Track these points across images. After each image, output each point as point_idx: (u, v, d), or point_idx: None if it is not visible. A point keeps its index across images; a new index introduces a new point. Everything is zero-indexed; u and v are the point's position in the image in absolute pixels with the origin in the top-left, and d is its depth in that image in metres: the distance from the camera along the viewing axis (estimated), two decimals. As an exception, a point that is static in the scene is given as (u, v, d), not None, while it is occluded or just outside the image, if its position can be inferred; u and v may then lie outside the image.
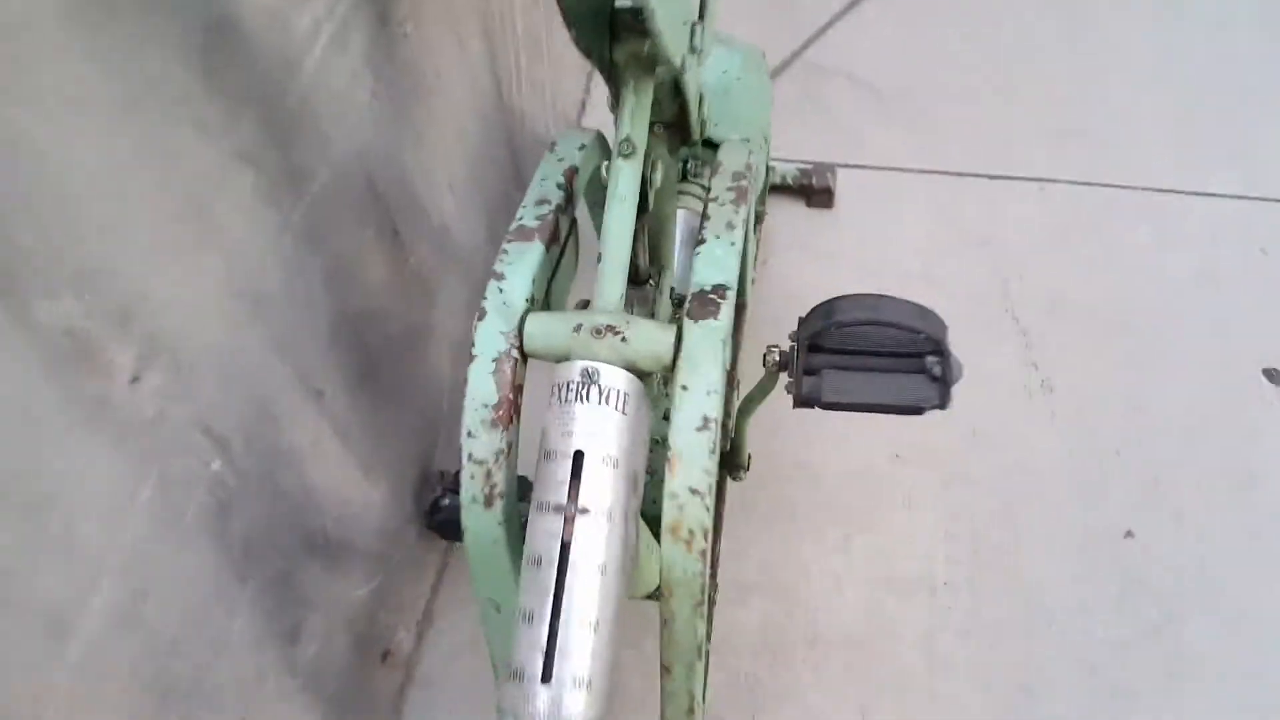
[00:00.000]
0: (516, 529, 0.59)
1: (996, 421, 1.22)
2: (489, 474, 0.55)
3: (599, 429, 0.52)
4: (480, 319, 0.56)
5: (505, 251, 0.59)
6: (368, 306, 0.89)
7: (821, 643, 1.06)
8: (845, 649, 1.05)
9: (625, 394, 0.53)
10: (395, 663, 1.07)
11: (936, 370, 0.74)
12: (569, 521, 0.51)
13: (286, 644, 0.82)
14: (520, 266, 0.58)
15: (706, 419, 0.53)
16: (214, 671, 0.71)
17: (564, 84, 1.50)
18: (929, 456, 1.18)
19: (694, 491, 0.53)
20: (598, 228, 0.82)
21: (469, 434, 0.55)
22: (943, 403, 0.72)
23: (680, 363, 0.54)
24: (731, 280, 0.57)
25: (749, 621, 1.07)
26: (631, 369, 0.55)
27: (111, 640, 0.56)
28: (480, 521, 0.56)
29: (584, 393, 0.53)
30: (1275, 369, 1.23)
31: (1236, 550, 1.10)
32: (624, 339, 0.55)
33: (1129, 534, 1.12)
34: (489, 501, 0.55)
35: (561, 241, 0.63)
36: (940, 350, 0.71)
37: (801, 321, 0.74)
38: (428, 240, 1.00)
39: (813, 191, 1.40)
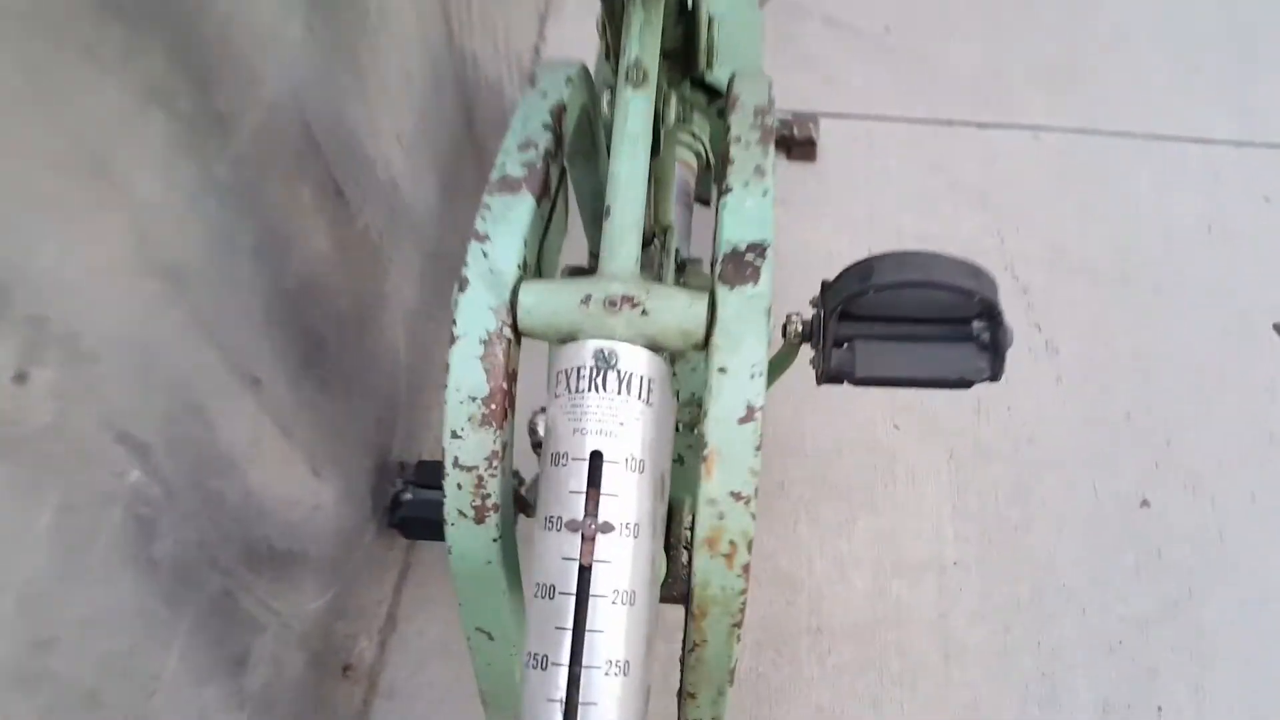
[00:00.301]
0: (513, 546, 0.49)
1: (1000, 387, 1.14)
2: (480, 482, 0.45)
3: (619, 424, 0.42)
4: (461, 290, 0.46)
5: (487, 206, 0.49)
6: (309, 278, 0.77)
7: (827, 632, 0.99)
8: (852, 638, 0.98)
9: (649, 380, 0.44)
10: (357, 676, 0.96)
11: (986, 337, 0.65)
12: (587, 541, 0.41)
13: (233, 673, 0.72)
14: (508, 224, 0.48)
15: (751, 408, 0.43)
16: (146, 717, 0.60)
17: (517, 26, 1.37)
18: (931, 427, 1.11)
19: (737, 496, 0.43)
20: (574, 181, 0.71)
21: (454, 434, 0.45)
22: (995, 373, 0.63)
23: (716, 339, 0.44)
24: (769, 236, 0.48)
25: (747, 612, 0.99)
26: (654, 348, 0.45)
27: (4, 708, 0.45)
28: (469, 540, 0.46)
29: (599, 380, 0.43)
30: (1286, 323, 1.18)
31: (1256, 517, 1.05)
32: (644, 312, 0.45)
33: (1145, 503, 1.06)
34: (480, 516, 0.45)
35: (552, 194, 0.52)
36: (994, 314, 0.62)
37: (827, 286, 0.64)
38: (376, 199, 0.89)
39: (794, 143, 1.31)
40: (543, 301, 0.47)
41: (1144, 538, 1.05)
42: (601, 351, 0.44)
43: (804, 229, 1.26)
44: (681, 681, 0.54)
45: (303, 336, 0.78)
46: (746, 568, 0.46)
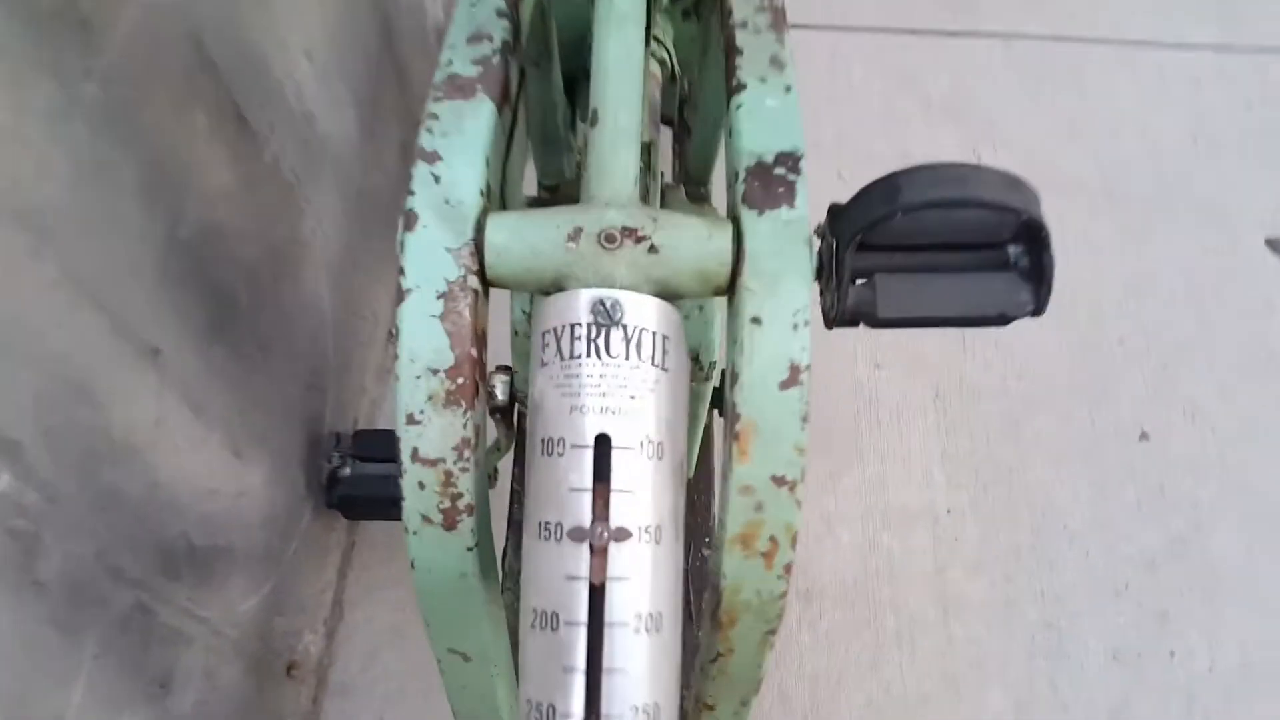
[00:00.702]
0: (490, 552, 0.40)
1: (987, 317, 1.08)
2: (448, 479, 0.36)
3: (629, 397, 0.33)
4: (409, 228, 0.36)
5: (435, 116, 0.38)
6: (211, 223, 0.66)
7: (817, 595, 0.93)
8: (844, 600, 0.92)
9: (663, 337, 0.35)
10: (303, 674, 0.87)
11: (1025, 262, 0.57)
12: (598, 553, 0.32)
13: (155, 697, 0.63)
14: (464, 139, 0.38)
15: (795, 367, 0.35)
16: (45, 769, 0.51)
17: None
18: (915, 363, 1.04)
19: (780, 481, 0.35)
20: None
21: (410, 419, 0.35)
22: (1040, 306, 0.55)
23: (745, 281, 0.35)
24: (799, 143, 0.38)
25: (734, 580, 0.92)
26: (667, 296, 0.36)
27: None
28: (438, 551, 0.37)
29: (600, 341, 0.34)
30: (1278, 239, 1.14)
31: (1259, 442, 1.02)
32: (653, 248, 0.36)
33: (1144, 435, 1.01)
34: (451, 520, 0.36)
35: (513, 101, 0.42)
36: (1039, 235, 0.54)
37: (839, 211, 0.54)
38: (286, 128, 0.77)
39: (753, 56, 1.20)
40: (518, 238, 0.37)
41: (1145, 472, 1.00)
42: (601, 303, 0.34)
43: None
44: (693, 688, 0.46)
45: (208, 293, 0.67)
46: (789, 568, 0.37)
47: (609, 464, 0.33)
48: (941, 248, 0.57)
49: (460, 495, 0.36)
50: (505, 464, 0.86)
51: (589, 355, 0.34)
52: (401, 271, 0.36)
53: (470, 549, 0.37)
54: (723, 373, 0.72)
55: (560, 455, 0.33)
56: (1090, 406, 1.04)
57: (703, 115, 0.66)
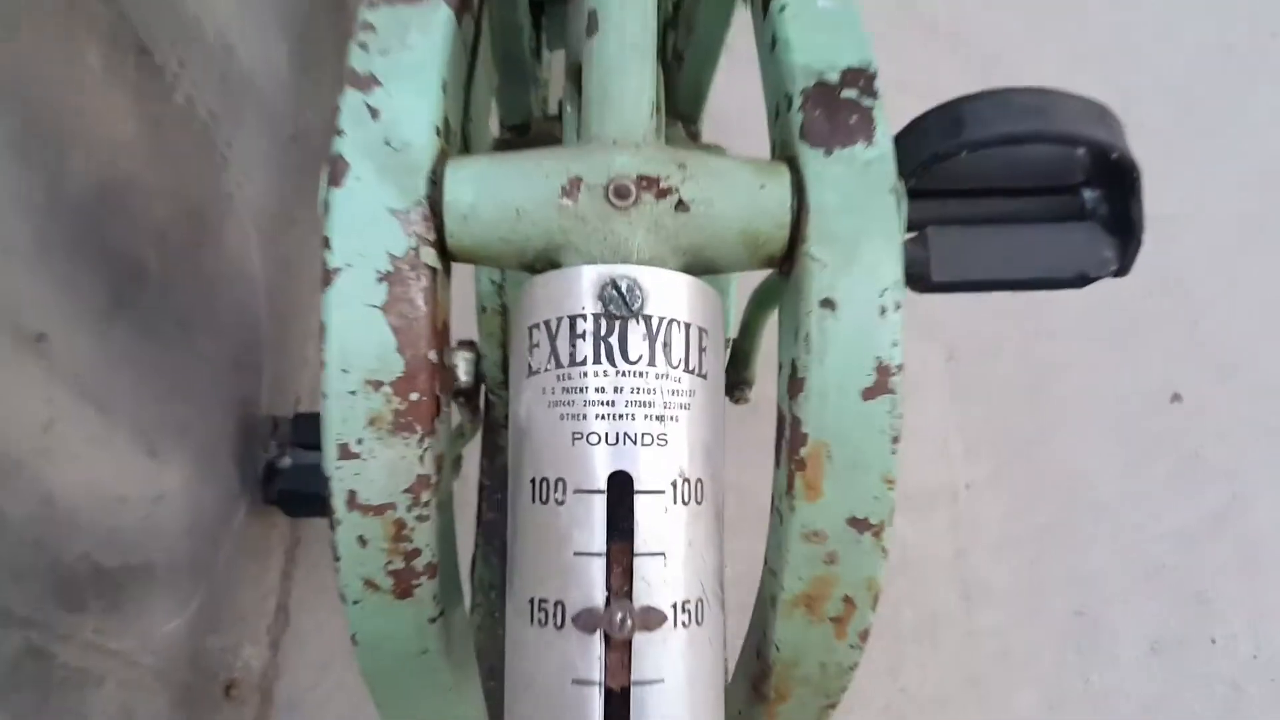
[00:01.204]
0: (460, 621, 0.31)
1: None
2: (399, 532, 0.26)
3: (655, 418, 0.24)
4: (336, 182, 0.26)
5: (369, 27, 0.28)
6: (109, 179, 0.56)
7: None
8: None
9: (700, 331, 0.26)
10: (245, 693, 0.78)
11: (1105, 210, 0.49)
12: (619, 648, 0.23)
13: None
14: (411, 58, 0.28)
15: (884, 368, 0.26)
16: None
17: None
18: (924, 323, 0.96)
19: (862, 526, 0.26)
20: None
21: (344, 451, 0.26)
22: (1125, 264, 0.47)
23: (810, 247, 0.26)
24: (870, 57, 0.29)
25: (733, 573, 0.84)
26: (700, 269, 0.27)
27: None
28: (388, 624, 0.28)
29: (613, 340, 0.25)
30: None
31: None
32: (681, 204, 0.27)
33: (1176, 397, 0.94)
34: (405, 586, 0.27)
35: (475, 7, 0.32)
36: (1128, 176, 0.45)
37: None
38: (201, 64, 0.66)
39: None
40: (491, 194, 0.27)
41: (1179, 438, 0.94)
42: (613, 285, 0.25)
43: (749, 85, 1.06)
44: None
45: (106, 264, 0.57)
46: (866, 634, 0.29)
47: (631, 516, 0.24)
48: (1005, 193, 0.49)
49: (417, 553, 0.27)
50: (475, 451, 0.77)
51: (597, 360, 0.25)
52: (326, 244, 0.26)
53: (433, 619, 0.28)
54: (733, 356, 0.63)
55: (559, 504, 0.24)
56: (1116, 368, 0.96)
57: (699, 36, 0.56)
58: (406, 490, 0.27)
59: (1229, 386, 0.96)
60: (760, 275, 0.58)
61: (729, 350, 0.63)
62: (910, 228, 0.44)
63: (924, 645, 0.83)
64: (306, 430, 0.81)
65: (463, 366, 0.58)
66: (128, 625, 0.60)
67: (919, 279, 0.45)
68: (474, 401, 0.70)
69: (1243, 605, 0.86)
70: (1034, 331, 0.98)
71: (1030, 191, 0.48)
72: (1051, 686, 0.83)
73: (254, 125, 0.77)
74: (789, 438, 0.27)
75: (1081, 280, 0.47)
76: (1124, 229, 0.46)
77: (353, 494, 0.27)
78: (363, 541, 0.27)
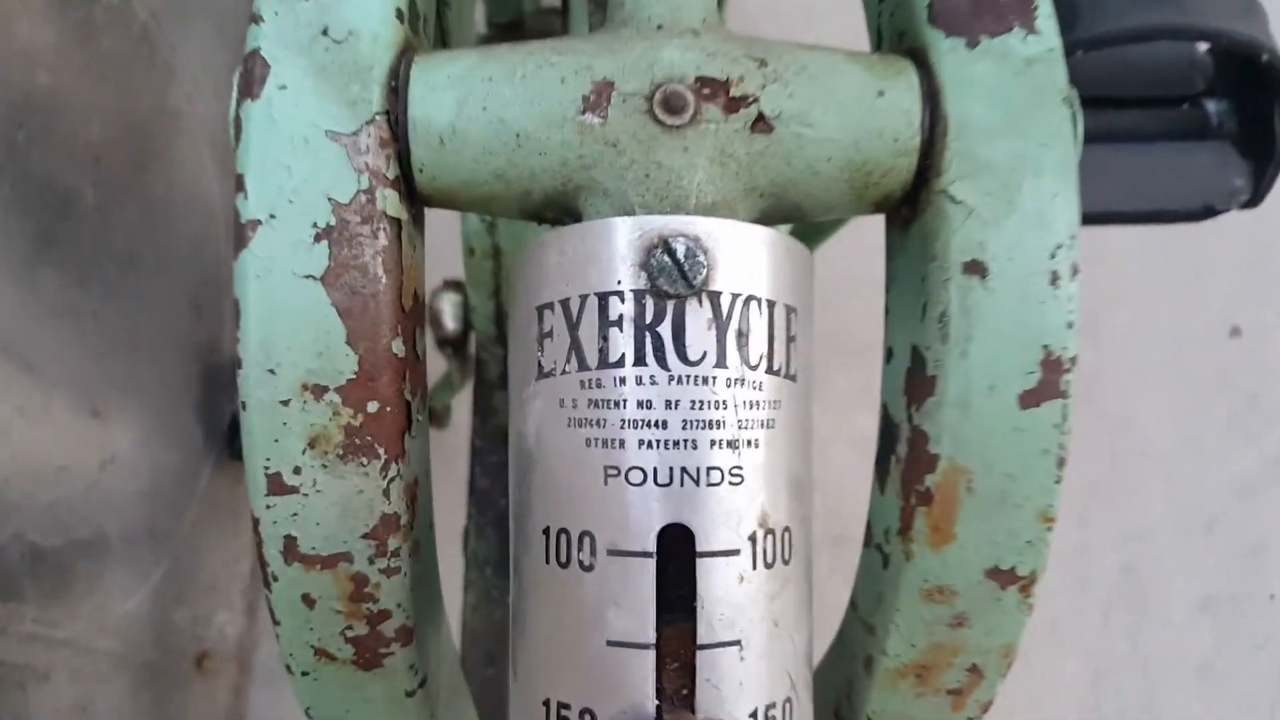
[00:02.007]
0: (451, 678, 0.24)
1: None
2: (359, 590, 0.19)
3: (727, 445, 0.16)
4: (254, 90, 0.18)
5: None
6: (25, 97, 0.48)
7: (852, 542, 0.79)
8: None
9: (788, 310, 0.18)
10: (219, 664, 0.73)
11: (1234, 125, 0.41)
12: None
13: None
14: None
15: (1052, 361, 0.18)
16: None
17: None
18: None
19: (1006, 578, 0.19)
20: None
21: (276, 484, 0.18)
22: (1259, 193, 0.39)
23: (947, 183, 0.19)
24: None
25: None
26: (783, 217, 0.19)
27: None
28: (351, 701, 0.21)
29: (664, 330, 0.17)
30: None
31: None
32: (762, 120, 0.19)
33: (1235, 331, 0.87)
34: (371, 657, 0.20)
35: None
36: (1267, 77, 0.37)
37: None
38: (132, -49, 0.57)
39: None
40: (477, 106, 0.19)
41: (1236, 378, 0.86)
42: (665, 247, 0.17)
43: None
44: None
45: (29, 197, 0.49)
46: (988, 706, 0.22)
47: (693, 588, 0.17)
48: (1114, 104, 0.41)
49: (385, 615, 0.20)
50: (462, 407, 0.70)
51: (641, 361, 0.17)
52: (240, 186, 0.18)
53: (411, 693, 0.21)
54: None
55: (586, 569, 0.17)
56: (1172, 300, 0.89)
57: None
58: (366, 536, 0.19)
59: (1293, 320, 0.89)
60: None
61: None
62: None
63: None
64: (278, 377, 0.74)
65: (449, 311, 0.48)
66: (75, 609, 0.54)
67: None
68: (462, 350, 0.62)
69: (1304, 558, 0.81)
70: (1082, 259, 0.90)
71: (1144, 103, 0.40)
72: (1099, 650, 0.77)
73: (203, 27, 0.68)
74: (907, 458, 0.20)
75: (1206, 213, 0.39)
76: (1261, 149, 0.38)
77: (291, 541, 0.19)
78: (309, 602, 0.20)
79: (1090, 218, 0.38)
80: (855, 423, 0.84)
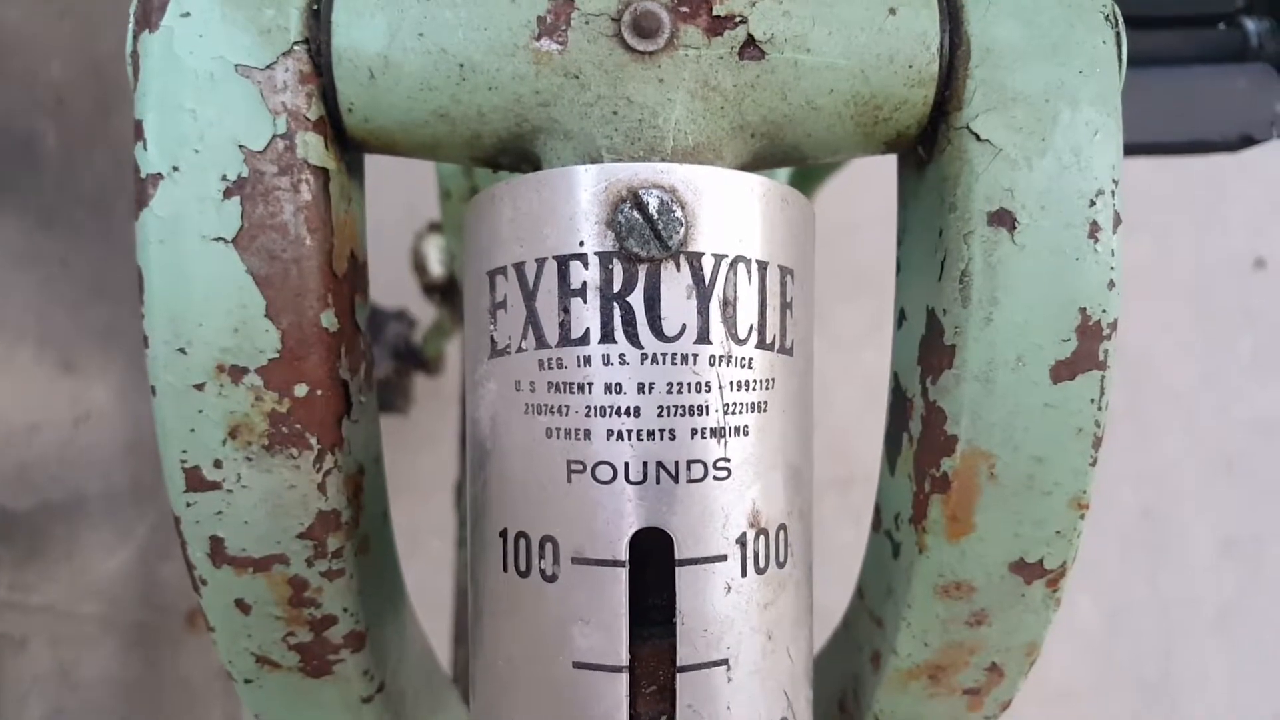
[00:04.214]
0: (427, 671, 0.22)
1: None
2: (298, 594, 0.17)
3: (709, 435, 0.14)
4: (150, 19, 0.15)
5: None
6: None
7: (860, 482, 0.78)
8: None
9: (783, 273, 0.15)
10: (211, 619, 0.71)
11: (1277, 46, 0.38)
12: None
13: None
14: None
15: (1090, 327, 0.15)
16: None
17: None
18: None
19: (1031, 572, 0.17)
20: None
21: (195, 479, 0.15)
22: (1296, 122, 0.36)
23: (970, 116, 0.16)
24: None
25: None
26: (779, 159, 0.17)
27: None
28: (301, 708, 0.18)
29: (635, 299, 0.14)
30: None
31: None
32: (752, 43, 0.16)
33: (1260, 262, 0.84)
34: (317, 663, 0.18)
35: None
36: None
37: None
38: None
39: None
40: (413, 31, 0.16)
41: (1261, 310, 0.83)
42: (636, 200, 0.14)
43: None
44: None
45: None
46: (1007, 705, 0.19)
47: (671, 600, 0.14)
48: (1147, 25, 0.38)
49: (331, 620, 0.18)
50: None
51: (607, 337, 0.15)
52: (138, 133, 0.15)
53: (367, 699, 0.19)
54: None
55: (549, 579, 0.15)
56: (1194, 229, 0.85)
57: None
58: (302, 535, 0.17)
59: (1322, 250, 0.86)
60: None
61: None
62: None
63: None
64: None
65: (434, 256, 0.46)
66: (52, 573, 0.52)
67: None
68: (451, 295, 0.60)
69: (1328, 498, 0.78)
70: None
71: (1178, 22, 0.37)
72: (1117, 592, 0.76)
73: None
74: (922, 439, 0.17)
75: (1244, 142, 0.37)
76: (1303, 72, 0.35)
77: (218, 543, 0.17)
78: (244, 608, 0.17)
79: (1131, 147, 0.36)
80: (863, 361, 0.81)
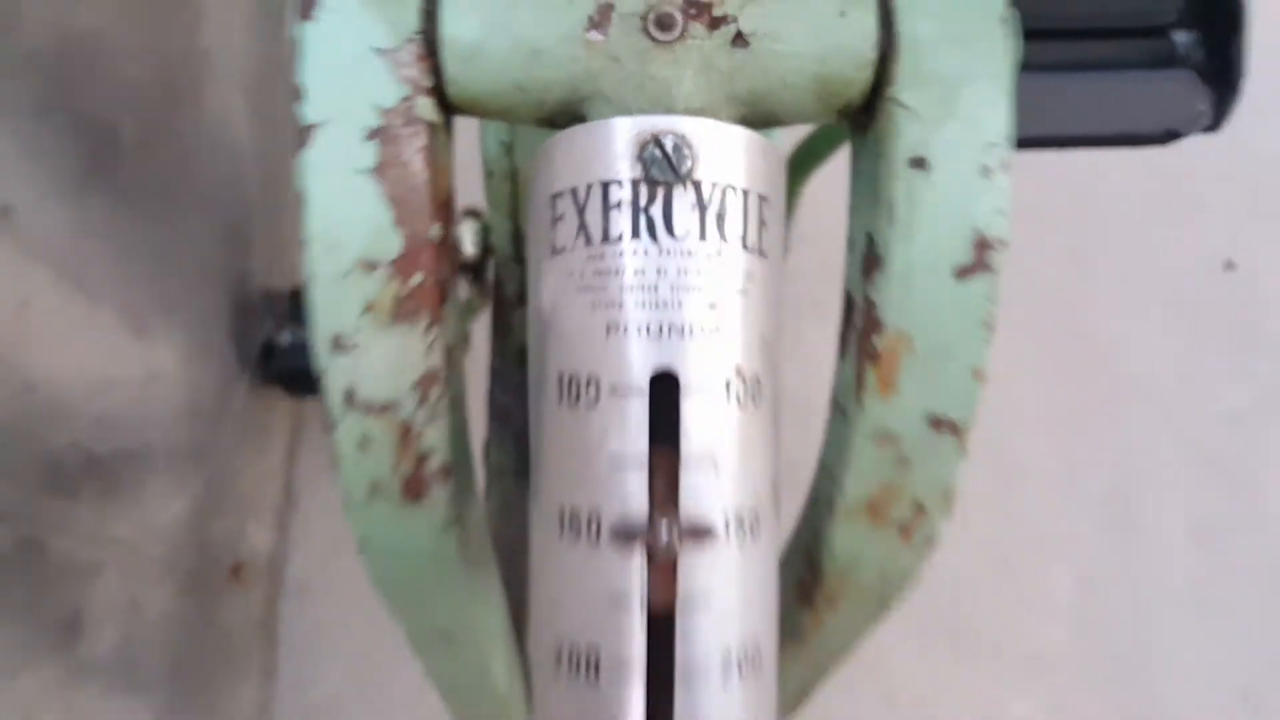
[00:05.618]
0: (478, 522, 0.29)
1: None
2: (407, 434, 0.23)
3: (708, 306, 0.21)
4: (309, 11, 0.22)
5: None
6: (72, 34, 0.51)
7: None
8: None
9: (759, 199, 0.22)
10: (252, 576, 0.78)
11: (1200, 55, 0.45)
12: (662, 568, 0.21)
13: (63, 644, 0.54)
14: None
15: (984, 243, 0.22)
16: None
17: None
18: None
19: (941, 425, 0.23)
20: None
21: (336, 343, 0.22)
22: (1219, 117, 0.43)
23: (898, 91, 0.23)
24: None
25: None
26: (760, 121, 0.24)
27: None
28: (397, 530, 0.25)
29: (656, 211, 0.21)
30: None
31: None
32: (740, 37, 0.23)
33: (1229, 265, 0.90)
34: (417, 490, 0.24)
35: None
36: (1229, 12, 0.41)
37: None
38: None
39: None
40: (500, 29, 0.23)
41: (1231, 309, 0.90)
42: (656, 143, 0.21)
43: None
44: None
45: (76, 129, 0.53)
46: (932, 540, 0.26)
47: (676, 420, 0.21)
48: (1085, 36, 0.44)
49: (428, 456, 0.24)
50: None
51: (636, 236, 0.21)
52: (300, 93, 0.22)
53: (448, 525, 0.26)
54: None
55: (592, 406, 0.21)
56: (1167, 230, 0.92)
57: None
58: (414, 386, 0.24)
59: (1288, 254, 0.92)
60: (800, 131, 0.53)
61: None
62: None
63: (952, 528, 0.82)
64: (304, 308, 0.78)
65: (468, 238, 0.53)
66: (126, 512, 0.59)
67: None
68: (482, 275, 0.66)
69: (1290, 482, 0.85)
70: (1074, 184, 0.93)
71: (1116, 34, 0.43)
72: (1087, 568, 0.82)
73: (230, -31, 0.71)
74: (861, 326, 0.24)
75: (1169, 135, 0.43)
76: (1221, 77, 0.42)
77: (350, 391, 0.24)
78: (365, 444, 0.24)
79: (1063, 140, 0.42)
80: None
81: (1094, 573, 0.82)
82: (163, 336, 0.63)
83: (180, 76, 0.66)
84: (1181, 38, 0.42)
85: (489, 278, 0.64)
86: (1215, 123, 0.42)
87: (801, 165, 0.51)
